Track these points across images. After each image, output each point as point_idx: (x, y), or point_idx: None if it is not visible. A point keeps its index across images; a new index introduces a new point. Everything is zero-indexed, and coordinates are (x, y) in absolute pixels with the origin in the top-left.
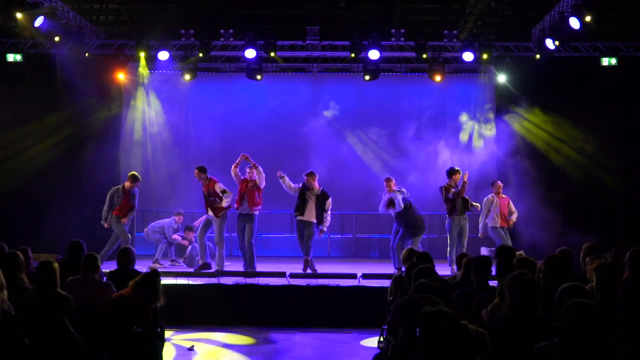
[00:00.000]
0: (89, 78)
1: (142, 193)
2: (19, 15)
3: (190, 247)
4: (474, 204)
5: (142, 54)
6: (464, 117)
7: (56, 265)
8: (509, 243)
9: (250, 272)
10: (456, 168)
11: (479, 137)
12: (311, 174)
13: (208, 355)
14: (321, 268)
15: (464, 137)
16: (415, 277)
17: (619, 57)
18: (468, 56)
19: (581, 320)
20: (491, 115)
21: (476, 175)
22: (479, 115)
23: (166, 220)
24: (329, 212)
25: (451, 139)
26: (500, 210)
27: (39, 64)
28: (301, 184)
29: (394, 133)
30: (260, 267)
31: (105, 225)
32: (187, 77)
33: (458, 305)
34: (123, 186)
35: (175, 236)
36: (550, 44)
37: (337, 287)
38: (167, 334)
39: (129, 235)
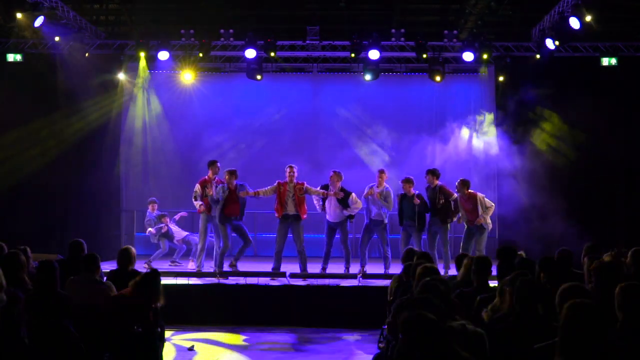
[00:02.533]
0: (89, 78)
1: (142, 193)
2: (19, 15)
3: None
4: None
5: (142, 54)
6: (463, 117)
7: (56, 265)
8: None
9: (250, 272)
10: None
11: (478, 137)
12: (337, 174)
13: (208, 355)
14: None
15: (464, 137)
16: (418, 277)
17: (619, 57)
18: (468, 56)
19: (581, 320)
20: (491, 115)
21: (476, 174)
22: (479, 115)
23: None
24: (355, 206)
25: (451, 139)
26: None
27: (39, 64)
28: (319, 188)
29: (394, 133)
30: (260, 267)
31: None
32: (187, 77)
33: (458, 305)
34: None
35: (151, 230)
36: (550, 44)
37: (337, 287)
38: (167, 334)
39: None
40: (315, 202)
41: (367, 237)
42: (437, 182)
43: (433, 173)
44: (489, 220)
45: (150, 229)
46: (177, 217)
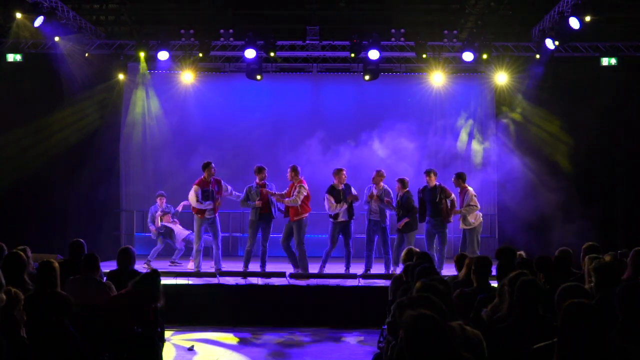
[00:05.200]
0: (89, 78)
1: (141, 193)
2: (19, 15)
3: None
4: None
5: (142, 54)
6: (463, 117)
7: (56, 265)
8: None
9: (250, 272)
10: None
11: (478, 136)
12: (336, 171)
13: (208, 355)
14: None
15: (463, 136)
16: (417, 276)
17: (619, 57)
18: (468, 56)
19: (580, 320)
20: (491, 115)
21: (476, 174)
22: (478, 115)
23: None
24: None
25: (451, 139)
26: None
27: (39, 64)
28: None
29: (394, 133)
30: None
31: None
32: (187, 77)
33: (458, 305)
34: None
35: (151, 227)
36: (550, 44)
37: (337, 287)
38: (167, 334)
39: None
40: (329, 202)
41: (370, 239)
42: (436, 182)
43: (433, 173)
44: (469, 218)
45: (152, 225)
46: (179, 207)
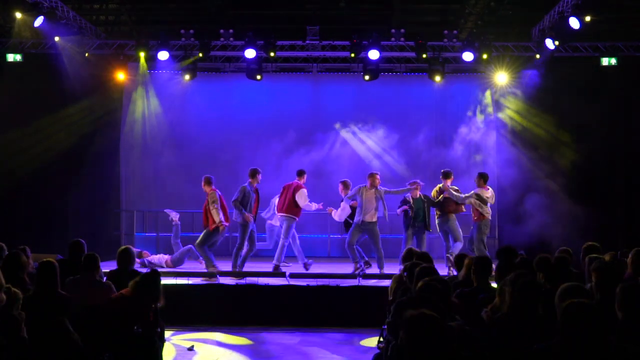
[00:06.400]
0: (89, 78)
1: (141, 193)
2: (19, 15)
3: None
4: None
5: (142, 54)
6: (463, 117)
7: (56, 265)
8: None
9: (250, 272)
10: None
11: (478, 137)
12: (344, 183)
13: (208, 355)
14: (321, 268)
15: (463, 137)
16: (417, 277)
17: (619, 57)
18: (468, 56)
19: (580, 320)
20: (491, 115)
21: (476, 174)
22: (478, 115)
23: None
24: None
25: (451, 139)
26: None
27: (39, 64)
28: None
29: (394, 133)
30: (260, 267)
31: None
32: (187, 77)
33: (458, 305)
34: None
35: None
36: (550, 44)
37: (337, 287)
38: (167, 334)
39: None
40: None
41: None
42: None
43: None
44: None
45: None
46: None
